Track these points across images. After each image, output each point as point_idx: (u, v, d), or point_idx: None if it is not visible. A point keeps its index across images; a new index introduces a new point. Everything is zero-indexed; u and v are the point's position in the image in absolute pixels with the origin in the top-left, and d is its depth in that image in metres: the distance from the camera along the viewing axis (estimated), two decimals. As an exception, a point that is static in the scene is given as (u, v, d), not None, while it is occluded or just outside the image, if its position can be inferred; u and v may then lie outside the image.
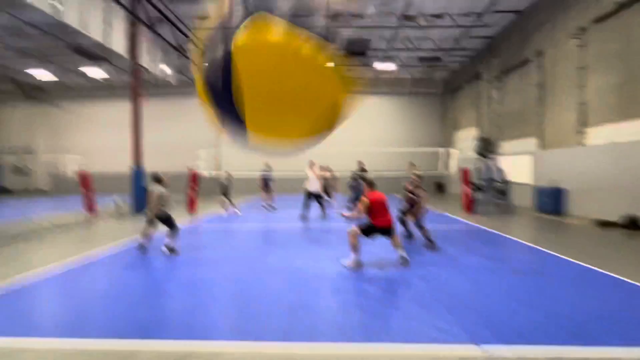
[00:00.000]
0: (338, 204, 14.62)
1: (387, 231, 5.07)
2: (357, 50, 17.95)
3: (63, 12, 8.75)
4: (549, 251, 6.08)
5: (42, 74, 19.33)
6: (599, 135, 10.03)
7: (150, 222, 5.93)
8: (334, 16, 14.31)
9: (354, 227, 5.06)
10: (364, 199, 5.06)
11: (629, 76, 8.96)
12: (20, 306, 3.68)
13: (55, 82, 22.86)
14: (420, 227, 6.31)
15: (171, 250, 5.99)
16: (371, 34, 16.02)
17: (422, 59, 19.46)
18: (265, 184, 13.62)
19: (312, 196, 9.97)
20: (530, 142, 13.40)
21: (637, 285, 4.20)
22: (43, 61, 18.88)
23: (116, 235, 7.90)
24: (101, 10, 10.09)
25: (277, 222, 9.96)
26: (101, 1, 10.05)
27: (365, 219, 5.06)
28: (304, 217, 9.78)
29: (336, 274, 4.76)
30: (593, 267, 5.00)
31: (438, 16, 14.13)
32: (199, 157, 14.30)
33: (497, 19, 14.22)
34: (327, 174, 13.19)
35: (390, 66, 18.51)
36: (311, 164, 10.36)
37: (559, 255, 5.80)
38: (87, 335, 2.97)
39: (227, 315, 3.42)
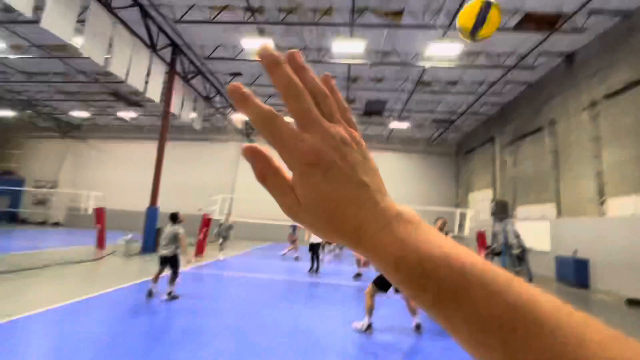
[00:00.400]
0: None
1: None
2: (374, 110, 18.93)
3: (111, 62, 9.74)
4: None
5: (82, 115, 20.94)
6: (620, 206, 9.78)
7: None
8: (354, 80, 15.40)
9: (369, 286, 4.81)
10: None
11: (646, 150, 9.00)
12: (6, 343, 3.54)
13: (89, 121, 24.61)
14: None
15: (173, 296, 5.81)
16: (389, 95, 16.99)
17: (435, 121, 20.25)
18: (294, 232, 13.62)
19: (314, 247, 9.76)
20: (547, 209, 13.13)
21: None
22: (85, 104, 20.58)
23: (121, 275, 7.78)
24: (145, 62, 11.18)
25: (283, 272, 9.66)
26: (146, 55, 11.18)
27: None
28: (311, 270, 9.54)
29: (345, 338, 4.45)
30: None
31: (452, 83, 15.00)
32: (215, 201, 14.50)
33: (509, 89, 14.96)
34: None
35: (404, 125, 19.27)
36: None
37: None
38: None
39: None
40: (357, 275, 8.94)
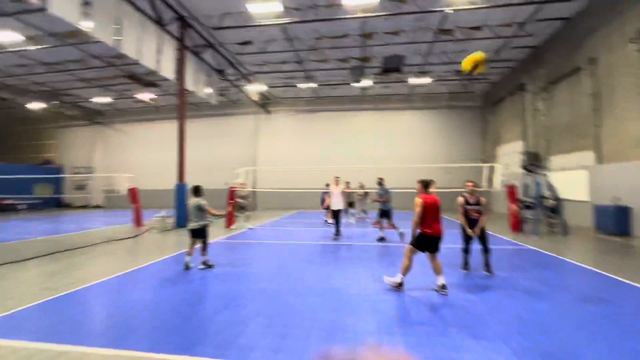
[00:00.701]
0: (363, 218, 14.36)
1: (436, 243, 4.65)
2: (393, 67, 17.95)
3: (122, 43, 9.71)
4: (615, 277, 5.40)
5: (103, 100, 21.46)
6: (670, 147, 8.95)
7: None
8: (369, 36, 14.49)
9: (408, 247, 4.79)
10: (419, 200, 4.67)
11: None
12: (66, 313, 3.93)
13: (111, 106, 25.26)
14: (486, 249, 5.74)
15: (208, 265, 6.15)
16: (407, 48, 15.96)
17: (459, 72, 18.96)
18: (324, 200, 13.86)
19: (336, 213, 9.70)
20: (585, 156, 12.30)
21: None
22: (104, 89, 21.01)
23: (160, 249, 8.30)
24: (154, 40, 11.06)
25: (310, 238, 9.92)
26: (154, 31, 11.03)
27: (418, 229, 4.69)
28: (337, 234, 9.70)
29: (375, 295, 4.57)
30: (676, 299, 4.35)
31: (476, 28, 13.77)
32: (239, 174, 14.80)
33: (542, 28, 13.54)
34: (354, 189, 13.41)
35: (426, 80, 18.22)
36: (336, 181, 9.85)
37: (628, 281, 5.13)
38: (126, 347, 3.06)
39: (265, 335, 3.37)
40: (381, 239, 9.00)
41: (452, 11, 11.88)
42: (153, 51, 11.04)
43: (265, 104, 24.16)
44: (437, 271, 4.72)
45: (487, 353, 2.95)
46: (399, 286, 4.72)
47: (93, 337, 3.35)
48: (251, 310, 4.03)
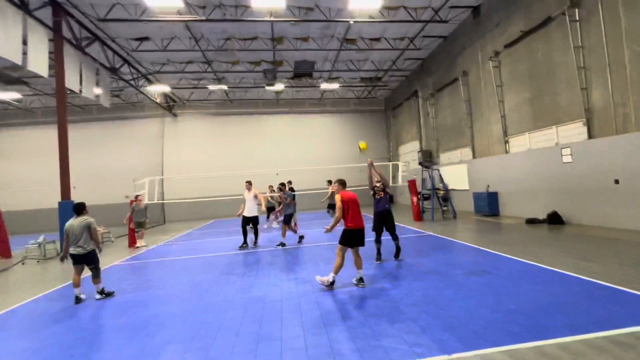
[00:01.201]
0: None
1: (361, 235, 4.92)
2: (303, 71, 18.45)
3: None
4: (491, 251, 6.61)
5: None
6: (519, 143, 11.41)
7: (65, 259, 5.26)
8: (279, 40, 14.60)
9: (338, 246, 4.95)
10: (338, 196, 4.95)
11: (536, 92, 10.43)
12: None
13: (-44, 108, 19.72)
14: (395, 236, 6.46)
15: (107, 294, 5.30)
16: (316, 55, 16.60)
17: (363, 79, 20.65)
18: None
19: (248, 221, 8.98)
20: (465, 152, 14.75)
21: (567, 275, 4.72)
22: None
23: (41, 282, 6.80)
24: (17, 27, 9.00)
25: (225, 249, 9.44)
26: (16, 17, 8.99)
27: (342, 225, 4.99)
28: (244, 245, 8.90)
29: (297, 298, 4.59)
30: (529, 262, 5.53)
31: (376, 40, 15.20)
32: (142, 185, 13.17)
33: (428, 43, 15.73)
34: (270, 194, 13.27)
35: (335, 85, 19.29)
36: (247, 186, 9.25)
37: (500, 253, 6.33)
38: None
39: (183, 361, 3.05)
40: (300, 238, 9.03)
41: (353, 22, 12.88)
42: (16, 41, 8.98)
43: (170, 106, 22.11)
44: (358, 266, 5.01)
45: (401, 335, 3.24)
46: (331, 285, 4.84)
47: None
48: (162, 337, 3.61)
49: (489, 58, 12.28)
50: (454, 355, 2.79)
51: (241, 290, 5.22)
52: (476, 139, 13.86)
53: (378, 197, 6.33)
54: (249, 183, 9.33)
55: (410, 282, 5.01)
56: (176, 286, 5.75)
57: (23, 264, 9.02)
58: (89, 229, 5.21)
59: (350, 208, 4.93)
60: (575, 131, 9.23)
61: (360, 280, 4.95)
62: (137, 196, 11.27)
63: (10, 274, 7.91)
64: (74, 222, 5.21)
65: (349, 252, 5.06)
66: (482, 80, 12.99)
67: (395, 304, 4.12)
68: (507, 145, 11.96)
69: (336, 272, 4.86)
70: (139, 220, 10.68)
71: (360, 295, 4.54)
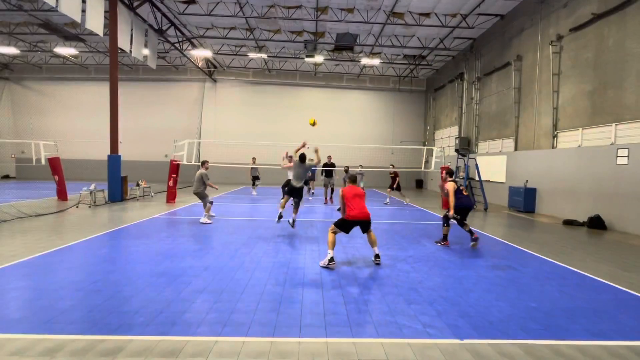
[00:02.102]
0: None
1: (359, 224, 5.16)
2: (345, 44, 17.93)
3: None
4: (520, 247, 6.42)
5: (7, 51, 17.95)
6: (569, 139, 10.59)
7: None
8: (323, 10, 14.18)
9: (332, 225, 5.22)
10: (340, 191, 5.41)
11: (599, 85, 9.48)
12: (-10, 299, 3.49)
13: (21, 59, 21.40)
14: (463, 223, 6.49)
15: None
16: (359, 28, 16.01)
17: (407, 57, 19.71)
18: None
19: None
20: (507, 143, 13.96)
21: (598, 281, 4.53)
22: (9, 38, 17.56)
23: (92, 225, 7.60)
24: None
25: (257, 214, 9.89)
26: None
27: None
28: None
29: (321, 268, 4.82)
30: (559, 263, 5.35)
31: (426, 15, 14.31)
32: (182, 146, 13.88)
33: (481, 22, 14.58)
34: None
35: (376, 61, 18.62)
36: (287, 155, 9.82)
37: (528, 251, 6.15)
38: (56, 331, 2.86)
39: (211, 310, 3.39)
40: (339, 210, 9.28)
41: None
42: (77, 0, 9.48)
43: (211, 71, 22.57)
44: (372, 244, 5.24)
45: (416, 315, 3.36)
46: (331, 261, 4.99)
47: (15, 322, 3.04)
48: (196, 286, 3.99)
49: (550, 42, 11.22)
50: (466, 341, 2.87)
51: (267, 254, 5.56)
52: (521, 131, 13.01)
53: (465, 193, 6.53)
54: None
55: (431, 267, 5.06)
56: (209, 243, 6.21)
57: (77, 207, 10.06)
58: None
59: (349, 201, 5.18)
60: (637, 131, 8.41)
61: (377, 257, 5.17)
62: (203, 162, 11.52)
63: (66, 214, 8.88)
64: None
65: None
66: (538, 67, 11.97)
67: (414, 286, 4.22)
68: (554, 140, 11.16)
69: (332, 248, 5.01)
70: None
71: (380, 274, 4.68)
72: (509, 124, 13.75)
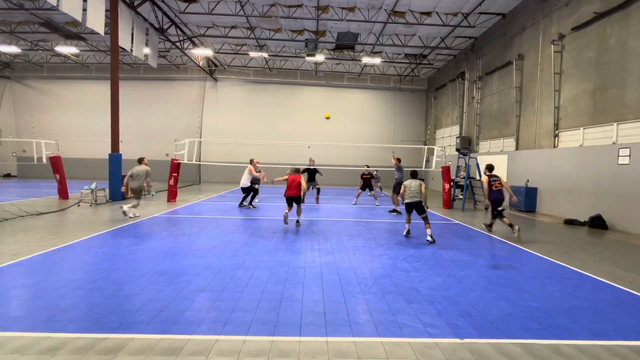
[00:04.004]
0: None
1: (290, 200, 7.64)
2: (346, 43, 17.90)
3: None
4: (520, 247, 6.41)
5: (9, 50, 17.95)
6: (570, 139, 10.56)
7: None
8: (323, 9, 14.16)
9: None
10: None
11: (600, 84, 9.45)
12: (-9, 298, 3.50)
13: (22, 58, 21.42)
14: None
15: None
16: (360, 27, 15.98)
17: (408, 56, 19.67)
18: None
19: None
20: (508, 143, 13.93)
21: (599, 281, 4.53)
22: (11, 36, 17.58)
23: (94, 224, 7.61)
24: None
25: (256, 214, 9.90)
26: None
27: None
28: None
29: (321, 267, 4.83)
30: (560, 263, 5.34)
31: (427, 14, 14.27)
32: (182, 145, 13.90)
33: (483, 21, 14.53)
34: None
35: (377, 60, 18.58)
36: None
37: (529, 250, 6.14)
38: (57, 329, 2.87)
39: (212, 309, 3.39)
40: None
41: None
42: (77, -2, 9.48)
43: (211, 70, 22.56)
44: (298, 213, 7.91)
45: (416, 314, 3.36)
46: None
47: (16, 320, 3.05)
48: (197, 285, 4.00)
49: (552, 41, 11.18)
50: (467, 340, 2.87)
51: (268, 253, 5.56)
52: (522, 130, 12.99)
53: (495, 188, 7.41)
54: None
55: (431, 266, 5.06)
56: (210, 242, 6.22)
57: (78, 206, 10.08)
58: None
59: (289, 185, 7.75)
60: (639, 131, 8.38)
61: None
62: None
63: (67, 213, 8.90)
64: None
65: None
66: (539, 66, 11.93)
67: (415, 285, 4.22)
68: (556, 139, 11.13)
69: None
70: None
71: (380, 273, 4.68)
72: (510, 124, 13.72)
